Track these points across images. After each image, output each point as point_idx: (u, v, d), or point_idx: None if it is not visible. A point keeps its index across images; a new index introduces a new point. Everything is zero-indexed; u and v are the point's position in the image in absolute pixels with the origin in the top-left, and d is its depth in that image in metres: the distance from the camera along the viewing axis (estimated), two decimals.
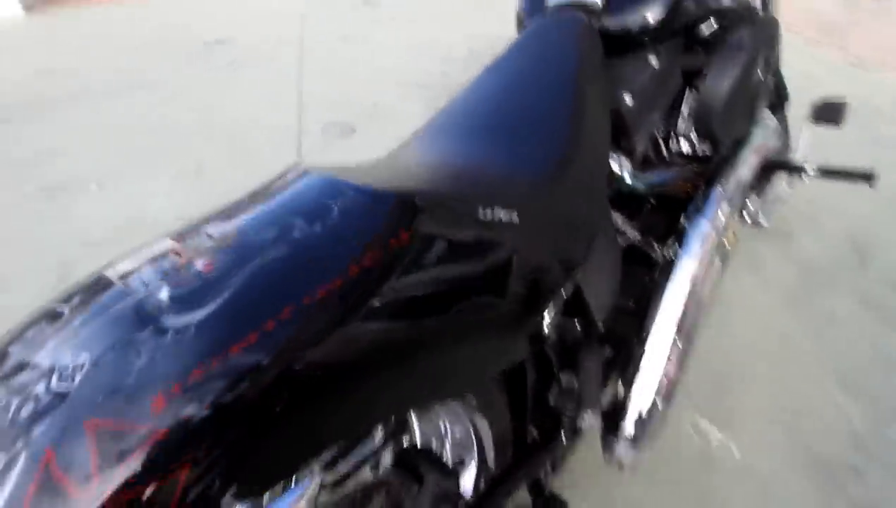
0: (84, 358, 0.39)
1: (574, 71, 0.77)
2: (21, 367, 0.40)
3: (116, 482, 0.35)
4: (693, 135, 1.02)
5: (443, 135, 0.74)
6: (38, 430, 0.36)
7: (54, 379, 0.38)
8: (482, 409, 0.74)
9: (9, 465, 0.35)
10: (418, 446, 0.72)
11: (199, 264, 0.46)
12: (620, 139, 0.89)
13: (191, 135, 2.48)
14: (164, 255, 0.47)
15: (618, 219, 1.00)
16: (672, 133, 1.04)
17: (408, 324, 0.51)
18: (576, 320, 0.85)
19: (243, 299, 0.44)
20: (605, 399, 0.89)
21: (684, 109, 1.01)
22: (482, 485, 0.81)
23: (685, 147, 1.03)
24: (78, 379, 0.38)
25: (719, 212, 0.94)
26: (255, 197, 0.54)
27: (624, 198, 0.98)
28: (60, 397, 0.37)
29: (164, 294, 0.43)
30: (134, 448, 0.36)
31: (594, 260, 0.79)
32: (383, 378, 0.50)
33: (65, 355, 0.40)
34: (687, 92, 1.01)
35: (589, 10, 0.86)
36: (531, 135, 0.71)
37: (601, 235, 0.79)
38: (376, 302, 0.48)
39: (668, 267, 0.92)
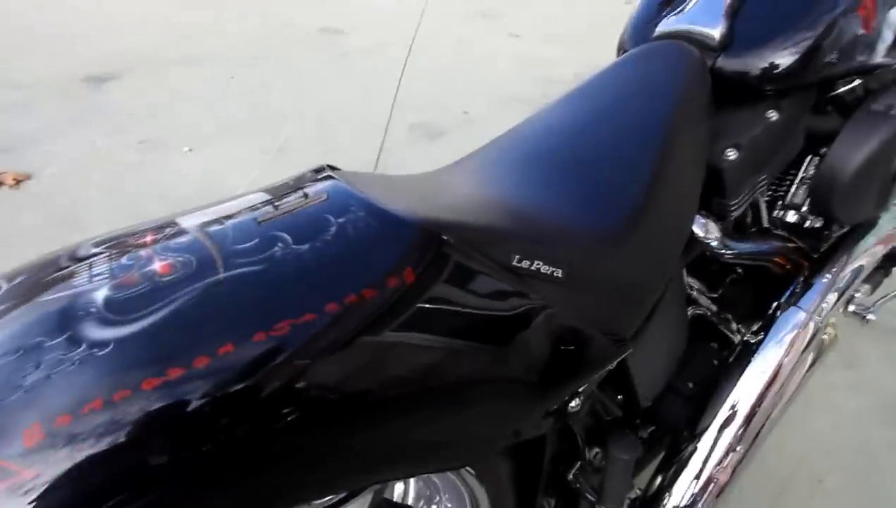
0: None
1: (671, 109, 0.66)
2: None
3: None
4: (805, 209, 0.86)
5: (500, 161, 0.66)
6: None
7: None
8: (482, 479, 0.64)
9: None
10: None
11: (157, 264, 0.38)
12: (713, 199, 0.76)
13: (285, 115, 2.57)
14: (131, 245, 0.40)
15: (693, 285, 0.87)
16: (780, 201, 0.88)
17: (403, 377, 0.42)
18: (616, 396, 0.73)
19: (188, 318, 0.35)
20: (635, 491, 0.76)
21: (801, 177, 0.86)
22: None
23: (793, 219, 0.87)
24: None
25: (823, 305, 0.79)
26: (268, 191, 0.48)
27: (705, 264, 0.85)
28: None
29: (101, 293, 0.36)
30: None
31: (651, 333, 0.68)
32: (365, 435, 0.41)
33: None
34: (809, 158, 0.85)
35: (703, 45, 0.74)
36: (602, 177, 0.62)
37: (665, 304, 0.69)
38: (368, 343, 0.39)
39: (745, 352, 0.78)
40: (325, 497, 0.49)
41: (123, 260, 0.38)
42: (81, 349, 0.33)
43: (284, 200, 0.45)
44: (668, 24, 0.78)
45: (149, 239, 0.40)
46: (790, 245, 0.87)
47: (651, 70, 0.72)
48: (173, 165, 2.18)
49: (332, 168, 0.51)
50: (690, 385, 0.81)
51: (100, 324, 0.34)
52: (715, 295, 0.88)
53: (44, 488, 0.30)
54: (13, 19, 3.53)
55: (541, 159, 0.64)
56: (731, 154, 0.72)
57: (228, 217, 0.43)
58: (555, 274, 0.51)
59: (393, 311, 0.40)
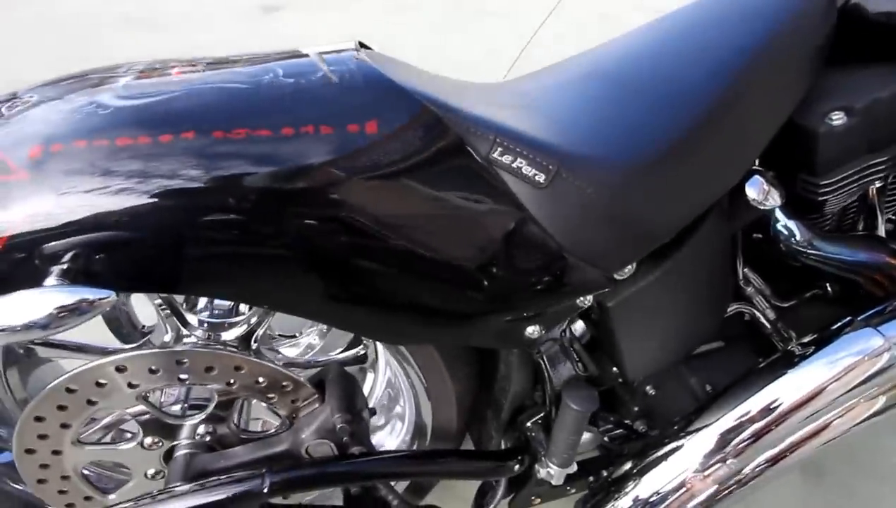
0: (31, 98, 0.45)
1: (759, 44, 0.57)
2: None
3: None
4: None
5: (559, 76, 0.62)
6: None
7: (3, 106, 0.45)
8: (426, 374, 0.64)
9: None
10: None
11: (174, 69, 0.47)
12: (799, 173, 0.64)
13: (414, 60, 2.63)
14: (162, 66, 0.48)
15: (749, 274, 0.76)
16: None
17: (342, 222, 0.45)
18: (597, 353, 0.66)
19: (172, 105, 0.43)
20: (594, 468, 0.70)
21: None
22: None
23: None
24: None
25: None
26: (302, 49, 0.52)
27: (776, 256, 0.72)
28: None
29: (125, 80, 0.45)
30: None
31: (653, 296, 0.61)
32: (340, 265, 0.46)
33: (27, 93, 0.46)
34: None
35: None
36: (643, 104, 0.55)
37: (681, 267, 0.61)
38: (309, 173, 0.43)
39: (785, 361, 0.66)
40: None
41: (151, 71, 0.48)
42: (93, 106, 0.42)
43: (302, 54, 0.50)
44: None
45: (180, 65, 0.49)
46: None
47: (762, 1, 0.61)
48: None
49: (364, 46, 0.54)
50: (703, 379, 0.72)
51: (116, 97, 0.43)
52: (773, 291, 0.75)
53: (29, 190, 0.39)
54: None
55: (595, 79, 0.59)
56: (837, 118, 0.59)
57: (252, 57, 0.50)
58: (537, 177, 0.49)
59: (343, 154, 0.43)
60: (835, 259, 0.68)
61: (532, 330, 0.57)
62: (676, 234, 0.58)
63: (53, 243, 0.39)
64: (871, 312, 0.66)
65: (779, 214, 0.68)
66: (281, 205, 0.43)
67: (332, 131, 0.43)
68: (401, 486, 0.77)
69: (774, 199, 0.60)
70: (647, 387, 0.72)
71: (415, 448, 0.76)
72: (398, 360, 0.66)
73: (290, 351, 0.83)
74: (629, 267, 0.57)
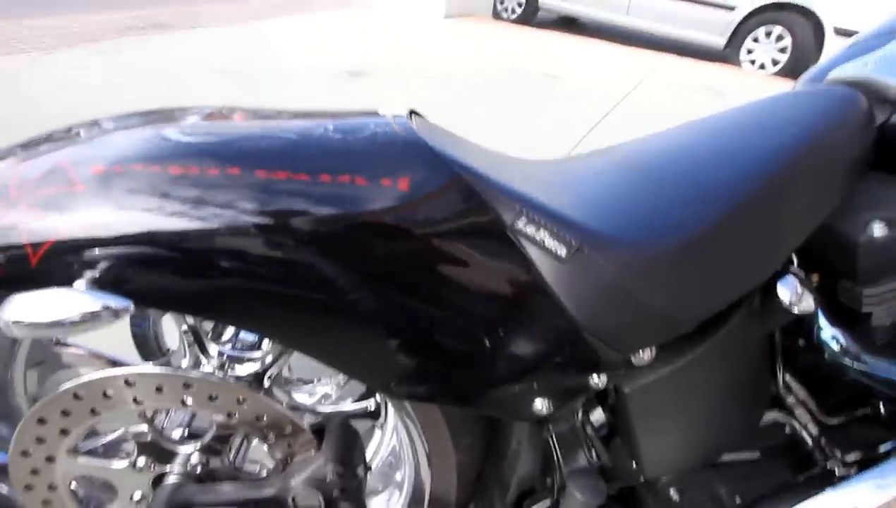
0: (109, 125, 0.50)
1: (794, 153, 0.58)
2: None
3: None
4: None
5: (604, 160, 0.64)
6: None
7: (83, 129, 0.50)
8: (429, 436, 0.63)
9: None
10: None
11: (237, 115, 0.53)
12: (842, 280, 0.62)
13: (480, 137, 2.76)
14: (228, 111, 0.54)
15: (794, 385, 0.72)
16: None
17: (363, 268, 0.47)
18: (613, 442, 0.63)
19: (225, 144, 0.46)
20: None
21: None
22: None
23: None
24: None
25: None
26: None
27: (817, 363, 0.68)
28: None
29: (192, 118, 0.51)
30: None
31: (678, 388, 0.59)
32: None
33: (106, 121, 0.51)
34: None
35: (879, 96, 0.63)
36: (676, 195, 0.56)
37: (709, 364, 0.59)
38: (342, 220, 0.45)
39: (823, 480, 0.64)
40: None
41: (218, 115, 0.53)
42: (158, 137, 0.47)
43: (354, 113, 0.55)
44: (846, 69, 0.68)
45: (240, 113, 0.55)
46: None
47: (800, 109, 0.63)
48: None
49: (417, 113, 0.59)
50: (733, 490, 0.67)
51: (179, 132, 0.48)
52: (818, 404, 0.71)
53: (82, 202, 0.42)
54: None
55: (629, 167, 0.60)
56: (878, 228, 0.59)
57: (309, 112, 0.55)
58: (558, 250, 0.49)
59: (374, 205, 0.46)
60: (883, 377, 0.64)
61: (541, 405, 0.55)
62: (701, 326, 0.56)
63: (91, 251, 0.41)
64: None
65: (823, 322, 0.65)
66: (305, 246, 0.44)
67: (365, 183, 0.46)
68: None
69: (808, 303, 0.58)
70: (671, 491, 0.67)
71: None
72: (403, 420, 0.64)
73: (303, 397, 0.82)
74: (647, 352, 0.56)
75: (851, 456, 0.67)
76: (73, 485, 0.57)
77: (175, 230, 0.42)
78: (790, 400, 0.70)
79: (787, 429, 0.72)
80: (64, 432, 0.51)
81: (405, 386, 0.53)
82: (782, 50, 4.82)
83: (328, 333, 0.48)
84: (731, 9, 4.94)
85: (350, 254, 0.46)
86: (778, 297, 0.58)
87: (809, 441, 0.70)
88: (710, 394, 0.62)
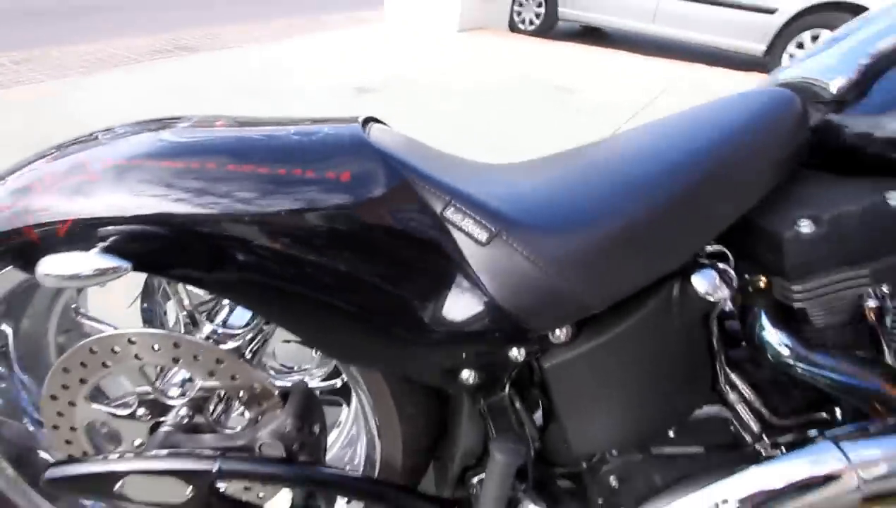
0: (121, 130, 0.64)
1: (720, 145, 0.62)
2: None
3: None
4: None
5: (553, 161, 0.72)
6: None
7: (101, 134, 0.64)
8: (376, 404, 0.72)
9: None
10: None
11: (219, 122, 0.65)
12: (776, 277, 0.66)
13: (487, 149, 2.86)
14: (213, 119, 0.66)
15: (731, 371, 0.74)
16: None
17: (313, 249, 0.57)
18: (543, 425, 0.71)
19: (207, 144, 0.59)
20: None
21: None
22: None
23: None
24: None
25: (881, 469, 0.60)
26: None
27: (761, 362, 0.71)
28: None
29: (183, 125, 0.64)
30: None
31: (596, 367, 0.65)
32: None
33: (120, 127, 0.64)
34: None
35: (817, 97, 0.65)
36: (606, 188, 0.63)
37: (628, 349, 0.65)
38: (294, 210, 0.56)
39: (743, 460, 0.66)
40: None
41: (204, 122, 0.65)
42: (156, 139, 0.59)
43: (324, 121, 0.66)
44: (792, 71, 0.71)
45: (223, 120, 0.67)
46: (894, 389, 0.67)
47: (738, 109, 0.67)
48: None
49: (375, 120, 0.69)
50: (672, 480, 0.70)
51: (172, 134, 0.61)
52: (763, 402, 0.73)
53: (96, 188, 0.55)
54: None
55: (563, 166, 0.68)
56: (804, 226, 0.62)
57: (279, 120, 0.66)
58: (479, 236, 0.58)
59: (319, 194, 0.57)
60: (824, 376, 0.66)
61: (467, 375, 0.63)
62: (619, 309, 0.62)
63: (102, 226, 0.55)
64: (845, 430, 0.66)
65: (764, 321, 0.68)
66: (264, 226, 0.56)
67: (313, 175, 0.57)
68: None
69: (722, 294, 0.62)
70: (612, 479, 0.72)
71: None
72: (358, 395, 0.75)
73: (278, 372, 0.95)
74: (564, 330, 0.63)
75: (778, 439, 0.70)
76: (89, 429, 0.71)
77: (165, 211, 0.55)
78: (732, 396, 0.73)
79: (731, 425, 0.74)
80: (82, 381, 0.65)
81: (351, 353, 0.64)
82: None
83: (284, 301, 0.60)
84: (772, 12, 4.43)
85: (300, 234, 0.57)
86: (693, 286, 0.62)
87: (750, 437, 0.72)
88: (632, 376, 0.67)
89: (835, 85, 0.63)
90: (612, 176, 0.63)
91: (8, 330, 0.75)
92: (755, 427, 0.72)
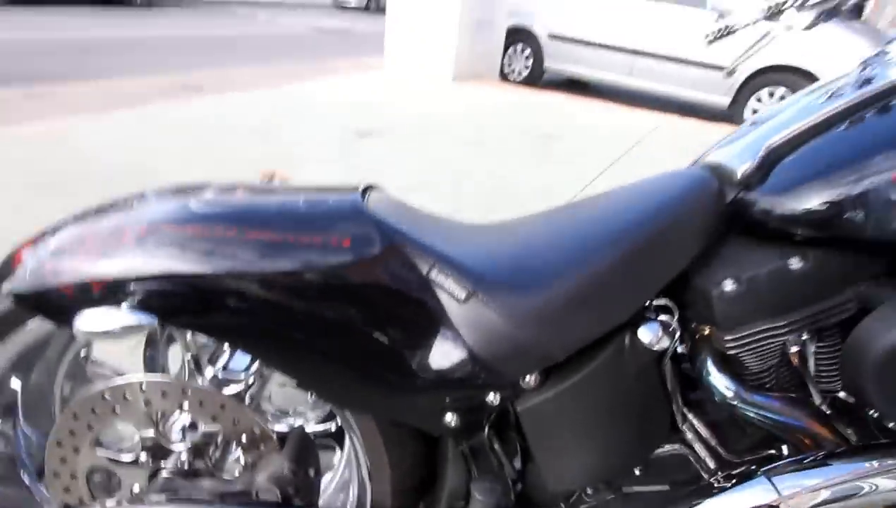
0: (152, 197, 0.70)
1: (650, 218, 0.72)
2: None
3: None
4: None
5: (515, 226, 0.80)
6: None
7: (135, 200, 0.70)
8: (367, 447, 0.76)
9: None
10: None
11: (239, 191, 0.73)
12: (711, 327, 0.75)
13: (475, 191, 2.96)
14: (232, 188, 0.73)
15: (694, 420, 0.81)
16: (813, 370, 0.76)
17: (317, 306, 0.64)
18: (521, 464, 0.76)
19: (240, 209, 0.66)
20: None
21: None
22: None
23: (842, 396, 0.75)
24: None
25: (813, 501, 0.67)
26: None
27: (712, 404, 0.78)
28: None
29: (208, 193, 0.71)
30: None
31: (564, 409, 0.72)
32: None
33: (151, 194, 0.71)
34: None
35: (727, 179, 0.75)
36: (558, 252, 0.72)
37: (595, 390, 0.72)
38: (304, 271, 0.63)
39: (692, 497, 0.74)
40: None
41: (225, 190, 0.72)
42: (182, 206, 0.66)
43: (331, 190, 0.74)
44: (711, 154, 0.82)
45: (243, 186, 0.74)
46: (822, 426, 0.74)
47: (665, 187, 0.77)
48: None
49: (373, 187, 0.77)
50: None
51: (197, 202, 0.67)
52: (719, 441, 0.80)
53: (131, 251, 0.61)
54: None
55: (528, 231, 0.77)
56: (728, 285, 0.71)
57: (291, 187, 0.74)
58: (458, 294, 0.67)
59: (322, 257, 0.64)
60: (761, 415, 0.74)
61: (449, 419, 0.70)
62: (580, 357, 0.70)
63: (132, 284, 0.61)
64: (778, 464, 0.72)
65: (710, 367, 0.76)
66: (273, 285, 0.63)
67: (318, 241, 0.65)
68: None
69: (663, 344, 0.71)
70: None
71: None
72: (351, 438, 0.79)
73: (275, 417, 0.98)
74: (532, 377, 0.70)
75: (720, 475, 0.76)
76: (89, 475, 0.74)
77: (188, 272, 0.61)
78: (689, 435, 0.80)
79: (691, 463, 0.80)
80: (90, 427, 0.68)
81: (345, 398, 0.70)
82: None
83: (286, 350, 0.66)
84: (732, 71, 5.07)
85: (304, 291, 0.64)
86: (638, 338, 0.72)
87: (707, 474, 0.79)
88: (595, 418, 0.74)
89: (741, 170, 0.73)
90: (568, 241, 0.73)
91: (17, 384, 0.79)
92: (712, 463, 0.79)
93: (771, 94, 5.04)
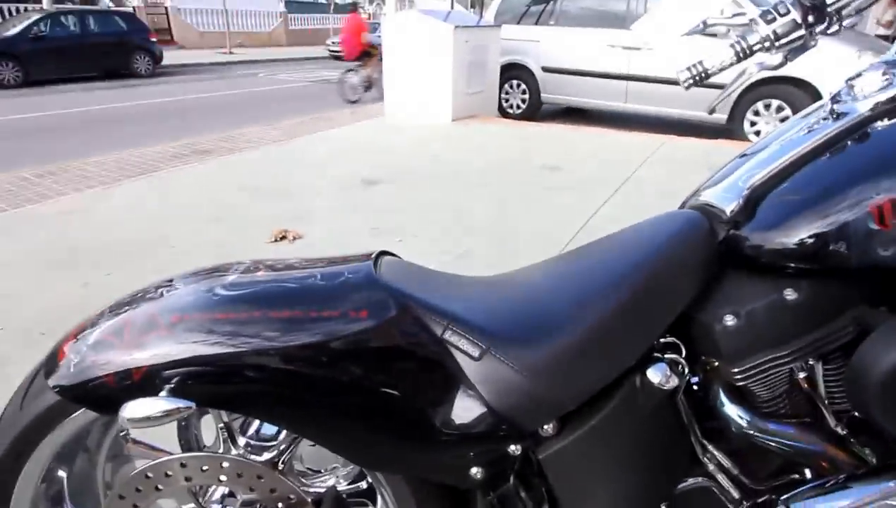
0: (179, 285, 0.74)
1: (647, 262, 0.75)
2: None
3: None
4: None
5: (516, 278, 0.83)
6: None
7: (163, 288, 0.74)
8: (399, 505, 0.78)
9: None
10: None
11: (260, 271, 0.76)
12: (718, 361, 0.77)
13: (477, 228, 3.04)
14: (254, 267, 0.77)
15: (715, 451, 0.82)
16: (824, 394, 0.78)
17: (342, 374, 0.67)
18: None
19: (244, 300, 0.69)
20: None
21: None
22: None
23: (843, 420, 0.76)
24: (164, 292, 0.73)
25: None
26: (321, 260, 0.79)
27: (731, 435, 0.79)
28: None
29: (232, 276, 0.75)
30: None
31: (583, 454, 0.74)
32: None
33: (178, 280, 0.75)
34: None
35: (717, 218, 0.78)
36: (563, 307, 0.74)
37: (606, 437, 0.73)
38: (326, 343, 0.66)
39: None
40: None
41: (248, 271, 0.76)
42: (209, 292, 0.70)
43: (340, 260, 0.78)
44: (700, 195, 0.85)
45: (262, 265, 0.78)
46: (839, 449, 0.75)
47: (659, 230, 0.80)
48: (388, 247, 2.80)
49: (388, 253, 0.81)
50: None
51: (222, 287, 0.71)
52: (742, 470, 0.80)
53: (165, 339, 0.64)
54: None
55: (530, 284, 0.80)
56: (729, 320, 0.74)
57: (307, 261, 0.78)
58: (472, 353, 0.70)
59: (343, 330, 0.68)
60: (777, 443, 0.76)
61: (475, 472, 0.72)
62: (594, 402, 0.72)
63: (168, 371, 0.64)
64: (796, 491, 0.73)
65: (724, 399, 0.77)
66: (300, 362, 0.66)
67: (338, 315, 0.68)
68: None
69: (673, 383, 0.73)
70: None
71: None
72: (382, 496, 0.81)
73: (308, 479, 1.00)
74: (550, 426, 0.72)
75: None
76: None
77: (220, 354, 0.65)
78: (711, 467, 0.80)
79: (715, 495, 0.81)
80: (135, 506, 0.71)
81: (373, 459, 0.72)
82: (785, 119, 4.97)
83: (317, 421, 0.68)
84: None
85: (328, 363, 0.67)
86: (648, 379, 0.73)
87: (731, 505, 0.79)
88: (615, 459, 0.75)
89: (728, 209, 0.76)
90: (571, 291, 0.76)
91: (63, 473, 0.82)
92: (736, 494, 0.79)
93: (767, 107, 5.11)
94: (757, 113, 5.15)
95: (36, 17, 10.51)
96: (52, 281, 2.45)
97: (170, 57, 13.25)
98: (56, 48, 10.38)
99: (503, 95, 6.66)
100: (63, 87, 9.75)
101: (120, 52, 11.27)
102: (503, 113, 6.67)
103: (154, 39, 12.03)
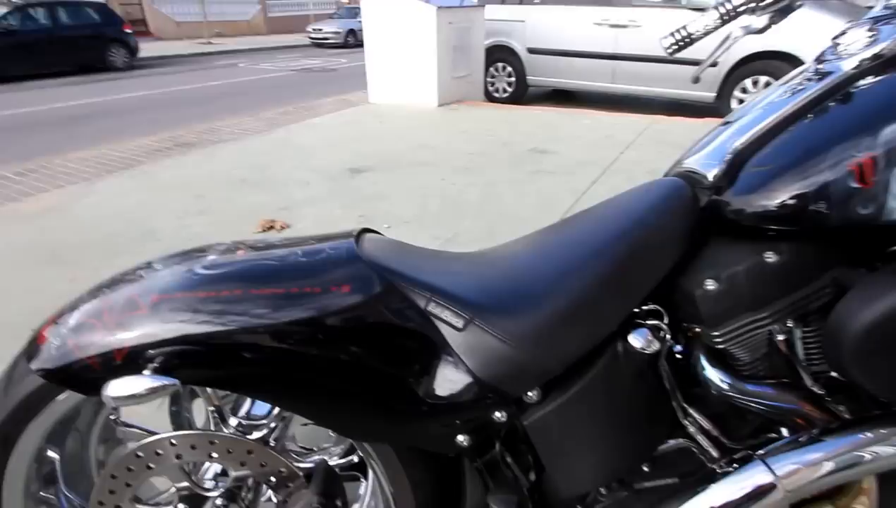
0: (158, 265, 0.74)
1: (630, 229, 0.77)
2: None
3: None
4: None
5: (502, 251, 0.84)
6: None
7: (143, 270, 0.75)
8: (389, 475, 0.80)
9: None
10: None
11: (240, 250, 0.76)
12: (699, 326, 0.79)
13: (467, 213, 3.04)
14: (234, 247, 0.76)
15: (694, 413, 0.84)
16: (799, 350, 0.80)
17: (326, 349, 0.68)
18: (533, 473, 0.79)
19: (228, 277, 0.69)
20: None
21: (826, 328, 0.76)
22: None
23: (817, 377, 0.78)
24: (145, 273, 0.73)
25: (802, 476, 0.70)
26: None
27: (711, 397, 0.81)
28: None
29: (211, 256, 0.74)
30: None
31: (568, 419, 0.75)
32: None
33: (156, 262, 0.75)
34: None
35: (699, 184, 0.79)
36: (546, 275, 0.76)
37: (589, 398, 0.75)
38: (308, 319, 0.67)
39: (695, 485, 0.76)
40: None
41: (227, 251, 0.75)
42: (190, 272, 0.70)
43: (322, 238, 0.78)
44: (683, 163, 0.86)
45: (243, 244, 0.77)
46: (815, 406, 0.77)
47: (642, 198, 0.81)
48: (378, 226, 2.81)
49: (370, 230, 0.82)
50: (644, 505, 0.80)
51: (202, 267, 0.71)
52: (721, 430, 0.83)
53: (146, 320, 0.65)
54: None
55: (515, 255, 0.81)
56: (710, 284, 0.76)
57: (289, 240, 0.78)
58: (456, 323, 0.71)
59: (327, 305, 0.68)
60: (756, 403, 0.78)
61: (462, 439, 0.73)
62: (576, 368, 0.74)
63: (151, 350, 0.65)
64: (772, 447, 0.75)
65: (704, 362, 0.79)
66: (284, 336, 0.67)
67: (320, 290, 0.69)
68: None
69: (654, 348, 0.75)
70: None
71: None
72: (372, 467, 0.83)
73: (299, 454, 1.01)
74: (533, 392, 0.74)
75: (718, 463, 0.78)
76: None
77: (203, 333, 0.65)
78: (692, 428, 0.82)
79: (695, 455, 0.83)
80: (128, 484, 0.72)
81: (362, 431, 0.74)
82: None
83: (302, 394, 0.69)
84: (714, 64, 5.00)
85: (311, 338, 0.68)
86: (630, 344, 0.75)
87: (711, 464, 0.81)
88: (598, 423, 0.77)
89: (711, 175, 0.77)
90: (554, 260, 0.78)
91: (55, 455, 0.83)
92: (715, 453, 0.82)
93: (755, 83, 5.04)
94: (745, 90, 5.11)
95: (3, 10, 10.17)
96: (39, 278, 2.42)
97: (147, 49, 12.97)
98: (27, 42, 10.07)
99: (489, 79, 6.57)
100: (37, 84, 9.53)
101: (94, 45, 10.95)
102: (489, 97, 6.59)
103: (129, 31, 11.71)
